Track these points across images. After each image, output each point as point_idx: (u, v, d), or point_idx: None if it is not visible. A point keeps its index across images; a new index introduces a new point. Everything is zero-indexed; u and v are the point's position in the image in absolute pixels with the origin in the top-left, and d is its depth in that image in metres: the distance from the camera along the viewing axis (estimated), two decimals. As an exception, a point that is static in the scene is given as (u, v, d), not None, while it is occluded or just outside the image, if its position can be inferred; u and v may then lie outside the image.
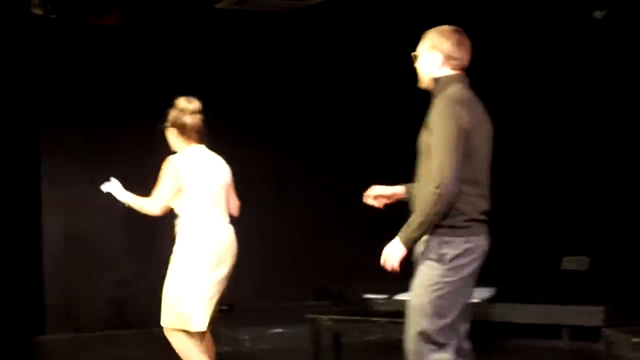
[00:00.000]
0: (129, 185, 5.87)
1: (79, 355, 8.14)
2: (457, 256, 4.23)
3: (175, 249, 5.84)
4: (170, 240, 5.94)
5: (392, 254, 4.27)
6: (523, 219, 9.79)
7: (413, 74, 4.69)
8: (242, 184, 9.60)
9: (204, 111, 6.11)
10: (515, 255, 9.46)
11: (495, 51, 9.68)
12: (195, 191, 5.86)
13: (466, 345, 4.56)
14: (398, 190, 4.77)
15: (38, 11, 7.62)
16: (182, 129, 5.94)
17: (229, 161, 9.62)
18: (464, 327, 4.53)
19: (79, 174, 6.15)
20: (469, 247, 4.25)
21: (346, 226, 9.82)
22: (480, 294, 8.23)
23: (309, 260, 9.74)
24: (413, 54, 4.48)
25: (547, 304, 8.20)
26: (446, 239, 4.22)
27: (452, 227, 4.22)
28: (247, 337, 8.37)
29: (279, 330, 8.45)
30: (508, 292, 8.61)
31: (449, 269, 4.23)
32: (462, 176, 4.20)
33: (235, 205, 6.27)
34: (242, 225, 9.57)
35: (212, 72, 9.48)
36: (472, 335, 5.49)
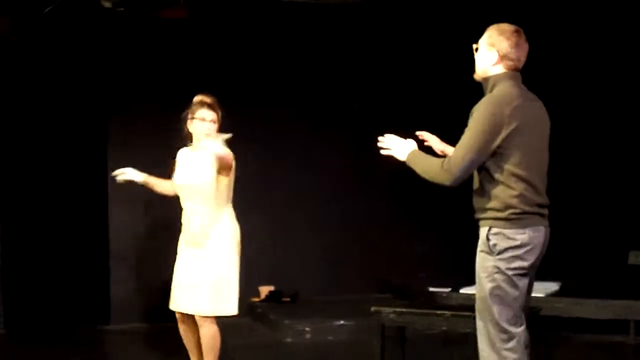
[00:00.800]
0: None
1: (144, 345, 8.23)
2: (508, 248, 4.33)
3: (219, 237, 5.91)
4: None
5: (396, 150, 4.58)
6: (590, 214, 9.70)
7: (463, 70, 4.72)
8: (308, 177, 9.71)
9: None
10: (582, 249, 9.36)
11: (562, 47, 9.61)
12: (232, 185, 6.03)
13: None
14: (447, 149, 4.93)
15: (107, 4, 7.72)
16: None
17: (292, 152, 9.72)
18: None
19: (146, 165, 6.21)
20: (521, 239, 4.33)
21: (411, 219, 9.80)
22: (546, 288, 8.17)
23: (372, 252, 9.75)
24: (474, 45, 4.56)
25: (613, 299, 8.11)
26: (495, 230, 4.35)
27: (501, 219, 4.34)
28: (308, 329, 8.39)
29: (341, 322, 8.46)
30: (574, 287, 8.54)
31: (501, 260, 4.33)
32: (508, 171, 4.33)
33: None
34: (306, 217, 9.67)
35: (276, 63, 9.52)
36: (538, 329, 5.46)
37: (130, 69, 9.03)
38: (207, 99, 6.05)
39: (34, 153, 9.22)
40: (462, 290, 8.28)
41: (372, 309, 5.85)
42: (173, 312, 6.18)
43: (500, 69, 4.46)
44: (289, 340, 8.27)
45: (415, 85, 9.88)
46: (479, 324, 4.46)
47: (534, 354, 5.57)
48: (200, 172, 5.93)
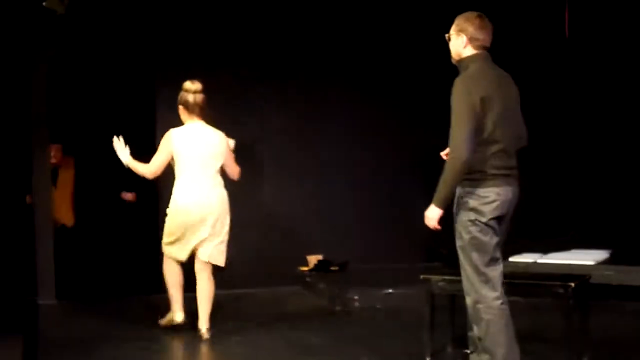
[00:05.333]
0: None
1: (195, 313, 8.30)
2: (478, 203, 5.04)
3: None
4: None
5: (429, 216, 5.22)
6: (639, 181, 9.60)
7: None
8: (355, 147, 9.72)
9: (206, 90, 7.07)
10: (632, 217, 9.27)
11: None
12: (183, 159, 6.95)
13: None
14: None
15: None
16: (185, 106, 7.02)
17: (331, 127, 9.69)
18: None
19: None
20: (488, 195, 5.03)
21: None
22: (596, 256, 8.12)
23: (421, 221, 9.71)
24: (446, 35, 5.28)
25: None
26: (468, 189, 5.08)
27: (473, 180, 5.04)
28: (357, 297, 8.42)
29: (391, 290, 8.47)
30: (624, 255, 8.48)
31: (475, 213, 5.05)
32: (483, 140, 4.98)
33: (234, 172, 7.23)
34: (356, 186, 9.67)
35: (309, 39, 9.55)
36: (587, 296, 5.44)
37: (176, 36, 9.10)
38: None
39: (84, 127, 9.30)
40: (511, 259, 8.26)
41: (422, 277, 5.88)
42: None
43: (470, 51, 5.17)
44: (338, 308, 8.31)
45: (432, 59, 9.87)
46: (462, 270, 5.16)
47: (583, 321, 5.57)
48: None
